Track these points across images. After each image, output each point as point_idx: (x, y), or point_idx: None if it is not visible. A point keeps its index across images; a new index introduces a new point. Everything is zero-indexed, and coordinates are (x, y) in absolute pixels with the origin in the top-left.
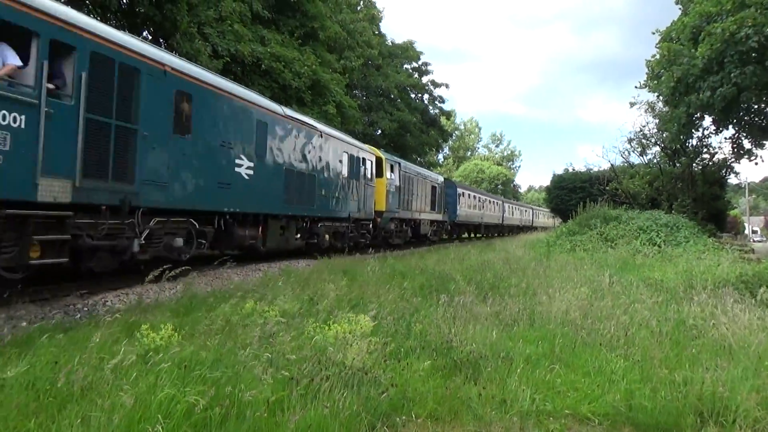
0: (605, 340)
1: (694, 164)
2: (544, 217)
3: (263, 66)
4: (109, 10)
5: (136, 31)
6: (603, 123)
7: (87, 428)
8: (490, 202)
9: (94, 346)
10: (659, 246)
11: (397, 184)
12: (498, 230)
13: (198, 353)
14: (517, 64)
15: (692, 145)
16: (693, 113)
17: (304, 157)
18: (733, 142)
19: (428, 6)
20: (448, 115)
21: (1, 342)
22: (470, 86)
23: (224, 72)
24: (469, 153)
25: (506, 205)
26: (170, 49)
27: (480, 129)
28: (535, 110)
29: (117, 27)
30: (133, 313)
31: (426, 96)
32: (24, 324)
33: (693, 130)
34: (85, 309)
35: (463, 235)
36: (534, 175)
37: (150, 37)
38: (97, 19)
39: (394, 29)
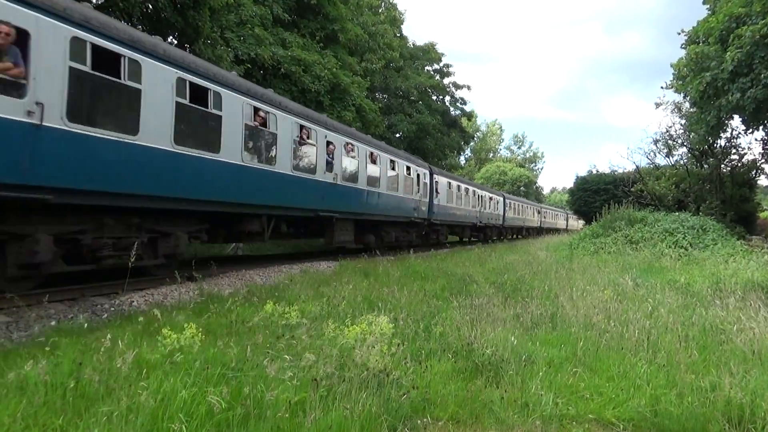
0: (629, 344)
1: (722, 165)
2: (534, 215)
3: (282, 70)
4: (133, 16)
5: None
6: (632, 124)
7: (112, 426)
8: (395, 168)
9: (118, 346)
10: (686, 249)
11: None
12: (426, 237)
13: (220, 353)
14: (545, 66)
15: (720, 146)
16: (722, 116)
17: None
18: (763, 144)
19: (457, 9)
20: (469, 116)
21: (31, 341)
22: (496, 89)
23: (246, 76)
24: (491, 155)
25: (445, 181)
26: (193, 54)
27: (502, 131)
28: (562, 112)
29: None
30: (157, 313)
31: (447, 98)
32: (53, 323)
33: (721, 132)
34: (112, 309)
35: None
36: (558, 176)
37: (175, 43)
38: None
39: (418, 32)
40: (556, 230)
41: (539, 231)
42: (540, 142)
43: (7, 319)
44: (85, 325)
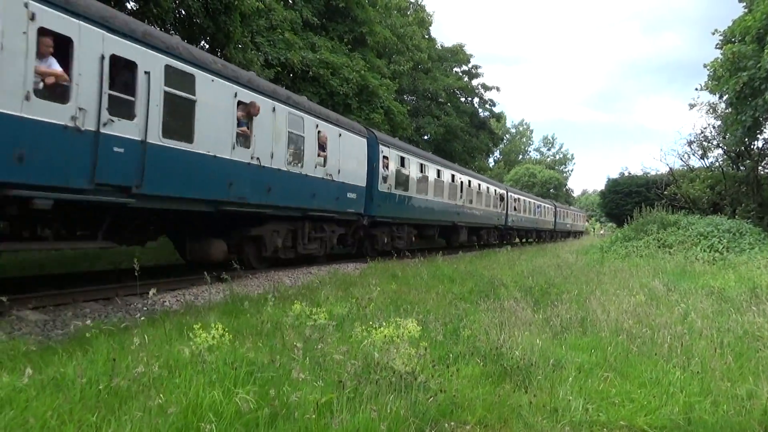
0: (662, 349)
1: (759, 167)
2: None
3: (311, 73)
4: (166, 21)
5: (192, 43)
6: (669, 126)
7: (144, 424)
8: None
9: (150, 345)
10: (721, 253)
11: None
12: None
13: (248, 354)
14: (580, 68)
15: (758, 147)
16: (759, 116)
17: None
18: None
19: (489, 10)
20: (498, 117)
21: (67, 339)
22: (529, 91)
23: (275, 81)
24: (521, 156)
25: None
26: (224, 59)
27: (531, 132)
28: (597, 113)
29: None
30: (188, 313)
31: (476, 99)
32: (88, 321)
33: (758, 133)
34: (145, 308)
35: None
36: (591, 179)
37: (207, 47)
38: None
39: (448, 34)
40: (537, 233)
41: (503, 234)
42: (574, 145)
43: (44, 317)
44: (119, 324)
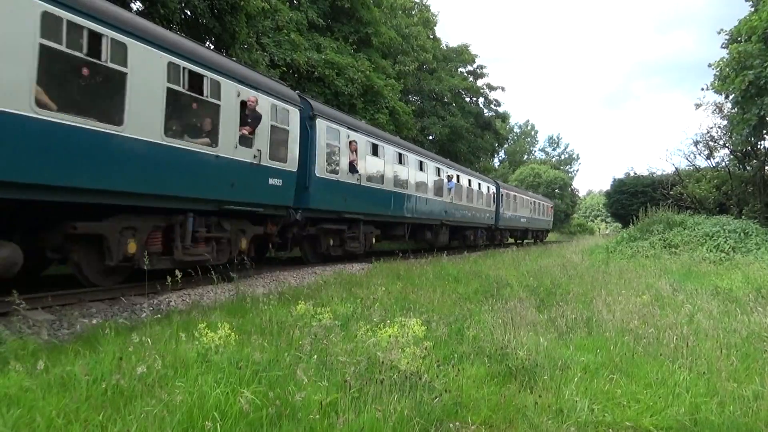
0: (667, 350)
1: (766, 167)
2: None
3: (316, 73)
4: (172, 21)
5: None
6: (679, 125)
7: (149, 423)
8: None
9: (156, 344)
10: (727, 253)
11: None
12: None
13: (253, 353)
14: (590, 68)
15: (764, 146)
16: (765, 115)
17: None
18: None
19: (498, 9)
20: (504, 117)
21: (74, 338)
22: (539, 92)
23: (281, 80)
24: (526, 157)
25: None
26: (229, 58)
27: (536, 132)
28: (605, 113)
29: None
30: (194, 312)
31: (481, 99)
32: (95, 321)
33: (765, 132)
34: (150, 308)
35: None
36: (599, 179)
37: (212, 47)
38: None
39: (454, 33)
40: (456, 232)
41: (346, 236)
42: (579, 145)
43: (51, 317)
44: (125, 323)
